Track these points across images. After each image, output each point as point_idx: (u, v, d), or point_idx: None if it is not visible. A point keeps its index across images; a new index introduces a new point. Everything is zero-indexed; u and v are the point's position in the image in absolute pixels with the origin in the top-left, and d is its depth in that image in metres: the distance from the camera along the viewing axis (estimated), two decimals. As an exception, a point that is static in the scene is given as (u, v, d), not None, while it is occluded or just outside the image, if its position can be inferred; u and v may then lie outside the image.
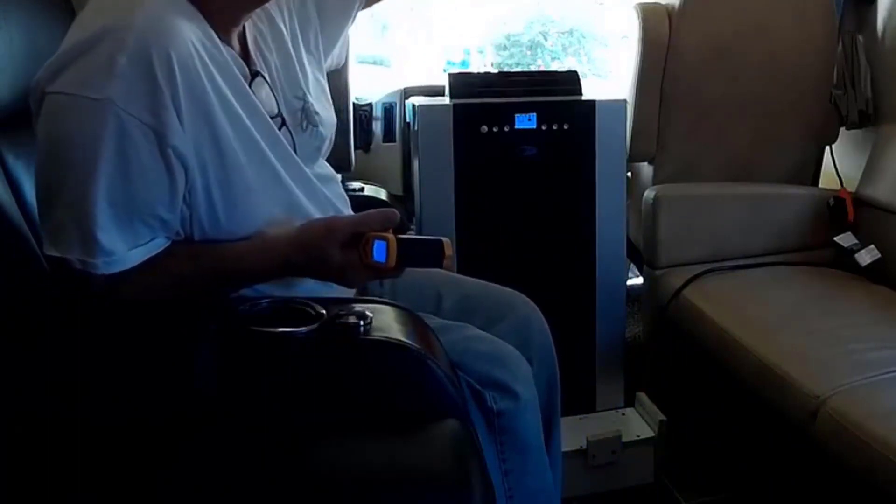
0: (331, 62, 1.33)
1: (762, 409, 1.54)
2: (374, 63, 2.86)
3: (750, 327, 1.65)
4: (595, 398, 1.96)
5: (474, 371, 1.17)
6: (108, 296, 0.97)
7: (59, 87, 0.92)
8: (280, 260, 1.03)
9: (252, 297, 1.03)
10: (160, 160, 0.94)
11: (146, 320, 0.98)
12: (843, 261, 1.98)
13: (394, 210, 1.05)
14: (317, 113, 1.18)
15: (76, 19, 0.98)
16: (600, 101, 1.87)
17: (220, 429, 0.94)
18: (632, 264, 2.47)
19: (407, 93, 2.17)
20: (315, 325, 0.97)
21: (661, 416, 1.82)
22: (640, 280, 2.34)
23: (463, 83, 1.87)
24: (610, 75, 2.97)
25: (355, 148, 2.01)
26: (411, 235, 1.07)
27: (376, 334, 0.97)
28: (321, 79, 1.24)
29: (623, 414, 1.91)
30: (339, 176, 1.30)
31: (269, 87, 1.12)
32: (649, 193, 2.01)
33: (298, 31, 1.21)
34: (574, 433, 1.75)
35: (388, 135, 2.21)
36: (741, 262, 1.99)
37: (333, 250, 1.01)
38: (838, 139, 2.16)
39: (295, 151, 1.11)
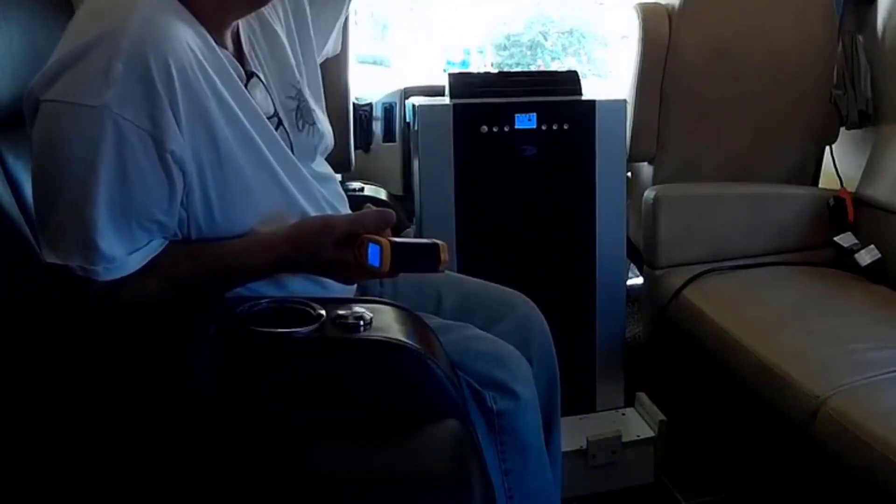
0: (326, 52, 1.33)
1: (762, 409, 1.54)
2: (374, 63, 2.86)
3: (750, 327, 1.65)
4: (595, 398, 1.96)
5: (474, 371, 1.17)
6: (109, 298, 0.98)
7: (55, 96, 0.91)
8: (275, 256, 1.03)
9: (252, 297, 1.03)
10: (158, 165, 0.94)
11: (146, 320, 0.98)
12: (843, 261, 1.98)
13: (390, 210, 1.05)
14: (313, 110, 1.18)
15: (69, 25, 0.98)
16: (600, 101, 1.87)
17: (220, 429, 0.94)
18: (632, 264, 2.47)
19: (407, 93, 2.17)
20: (315, 325, 0.97)
21: (661, 416, 1.82)
22: (640, 280, 2.34)
23: (463, 83, 1.87)
24: (610, 75, 2.97)
25: (355, 148, 2.01)
26: (407, 239, 1.06)
27: (376, 334, 0.97)
28: (317, 76, 1.23)
29: (623, 414, 1.91)
30: (338, 176, 1.30)
31: (265, 87, 1.12)
32: (649, 193, 2.01)
33: (294, 28, 1.20)
34: (574, 433, 1.75)
35: (388, 135, 2.21)
36: (741, 262, 1.99)
37: (328, 247, 1.01)
38: (838, 139, 2.16)
39: (292, 151, 1.11)
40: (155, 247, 0.99)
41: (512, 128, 1.83)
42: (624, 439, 1.79)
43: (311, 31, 1.23)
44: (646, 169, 2.20)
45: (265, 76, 1.13)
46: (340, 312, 0.98)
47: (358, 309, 1.00)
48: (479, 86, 1.87)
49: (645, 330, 2.19)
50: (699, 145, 2.14)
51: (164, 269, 1.00)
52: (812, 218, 2.07)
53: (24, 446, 0.97)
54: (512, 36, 2.98)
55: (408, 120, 1.95)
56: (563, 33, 3.07)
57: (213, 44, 1.02)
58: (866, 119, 2.06)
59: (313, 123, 1.17)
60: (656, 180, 2.14)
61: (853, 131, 2.12)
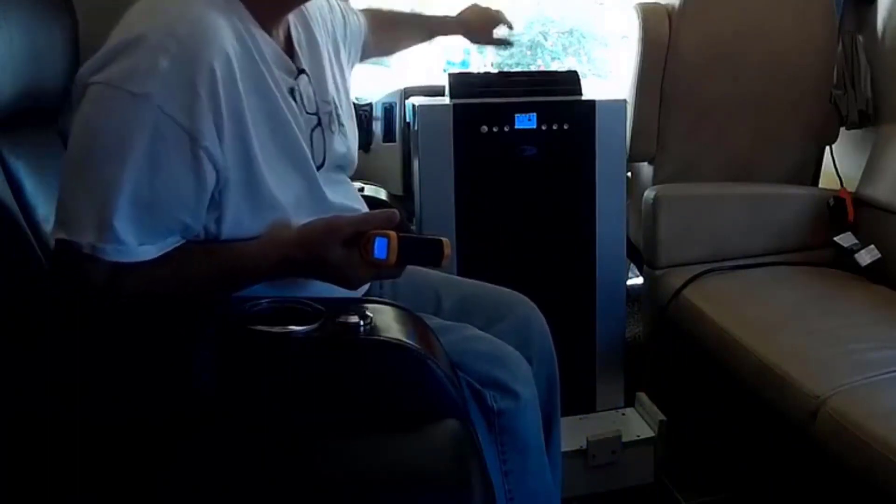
0: None
1: (762, 409, 1.54)
2: (374, 63, 2.86)
3: (750, 327, 1.65)
4: (595, 398, 1.96)
5: (474, 371, 1.17)
6: (110, 286, 0.97)
7: (103, 79, 0.93)
8: (280, 257, 1.03)
9: (252, 296, 1.03)
10: (190, 162, 0.95)
11: (145, 320, 0.98)
12: (843, 261, 1.98)
13: (395, 210, 1.05)
14: (342, 124, 1.21)
15: (124, 16, 1.00)
16: (600, 101, 1.87)
17: (219, 429, 0.94)
18: (632, 264, 2.47)
19: (407, 93, 2.16)
20: (315, 325, 0.97)
21: (661, 416, 1.82)
22: (640, 280, 2.34)
23: (463, 83, 1.87)
24: (610, 75, 2.97)
25: (355, 148, 2.01)
26: (412, 234, 1.07)
27: (376, 334, 0.97)
28: (349, 101, 1.28)
29: (623, 414, 1.91)
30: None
31: (311, 84, 1.15)
32: (649, 193, 2.01)
33: (341, 46, 1.28)
34: (574, 433, 1.75)
35: (388, 135, 2.21)
36: (741, 262, 1.99)
37: (335, 247, 1.01)
38: (838, 139, 2.16)
39: (326, 151, 1.15)
40: (170, 244, 1.00)
41: (512, 128, 1.83)
42: (624, 439, 1.78)
43: (345, 62, 1.30)
44: (646, 169, 2.20)
45: (310, 77, 1.16)
46: (340, 312, 0.98)
47: (358, 309, 1.00)
48: (479, 86, 1.87)
49: (645, 330, 2.19)
50: (699, 145, 2.14)
51: (176, 261, 1.00)
52: (812, 218, 2.07)
53: (24, 446, 0.97)
54: (512, 36, 2.98)
55: (408, 120, 1.95)
56: (563, 33, 3.07)
57: (267, 38, 1.05)
58: (866, 119, 2.06)
59: (345, 135, 1.21)
60: (656, 180, 2.13)
61: (853, 131, 2.12)
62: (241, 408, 0.95)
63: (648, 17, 2.06)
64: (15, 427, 0.98)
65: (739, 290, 1.86)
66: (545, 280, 1.81)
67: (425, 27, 1.71)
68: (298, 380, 0.97)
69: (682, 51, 2.06)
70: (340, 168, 1.23)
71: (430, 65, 2.83)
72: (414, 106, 1.85)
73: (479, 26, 1.73)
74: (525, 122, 1.83)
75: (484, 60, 2.93)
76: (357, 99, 2.13)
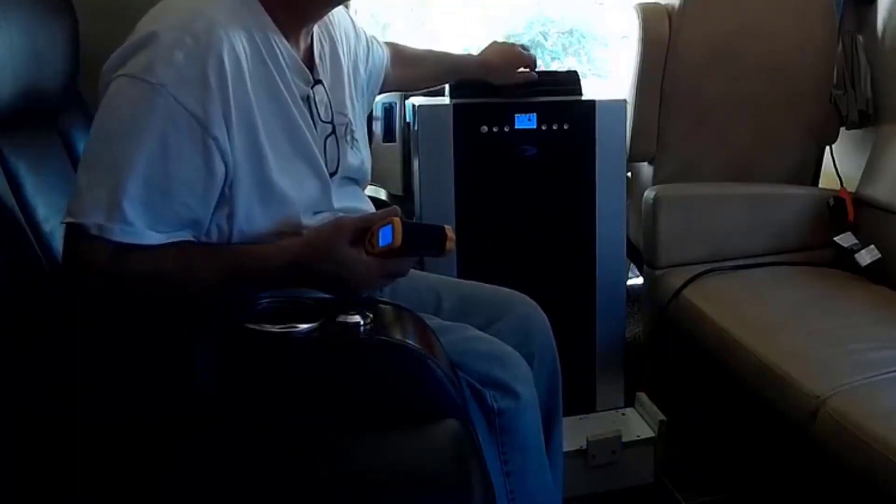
0: None
1: (762, 409, 1.54)
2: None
3: (750, 327, 1.65)
4: (595, 398, 1.96)
5: (474, 371, 1.17)
6: (114, 270, 0.97)
7: (125, 71, 0.99)
8: (289, 260, 1.03)
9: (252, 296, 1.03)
10: (200, 150, 0.99)
11: (146, 320, 0.98)
12: (843, 261, 1.98)
13: (396, 207, 1.06)
14: (356, 140, 1.24)
15: (147, 14, 1.04)
16: (600, 101, 1.87)
17: (220, 429, 0.94)
18: (632, 264, 2.46)
19: (407, 93, 2.17)
20: (315, 325, 0.97)
21: (661, 416, 1.82)
22: (640, 280, 2.34)
23: (463, 83, 1.87)
24: (610, 75, 2.97)
25: (355, 148, 2.01)
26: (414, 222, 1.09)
27: (376, 334, 0.97)
28: (363, 123, 1.32)
29: (623, 414, 1.91)
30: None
31: (327, 96, 1.18)
32: (649, 193, 2.01)
33: (361, 71, 1.33)
34: (574, 433, 1.74)
35: (388, 135, 2.21)
36: (741, 262, 1.98)
37: (342, 246, 1.02)
38: (838, 139, 2.16)
39: (339, 159, 1.18)
40: (178, 236, 1.01)
41: (512, 128, 1.82)
42: (624, 439, 1.78)
43: (365, 87, 1.35)
44: (646, 169, 2.20)
45: (328, 88, 1.19)
46: (341, 312, 0.98)
47: (358, 309, 1.00)
48: (478, 86, 1.87)
49: (645, 330, 2.19)
50: (699, 145, 2.14)
51: (183, 258, 1.01)
52: (812, 218, 2.07)
53: (24, 446, 0.97)
54: (512, 36, 2.97)
55: (408, 120, 1.95)
56: (563, 33, 3.07)
57: (286, 45, 1.09)
58: (866, 119, 2.06)
59: (358, 147, 1.24)
60: (656, 180, 2.13)
61: (853, 131, 2.12)
62: (242, 407, 0.95)
63: (648, 17, 2.06)
64: (15, 427, 0.98)
65: (739, 290, 1.86)
66: (545, 280, 1.81)
67: (447, 67, 1.73)
68: (299, 379, 0.97)
69: (682, 51, 2.06)
70: (354, 181, 1.25)
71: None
72: (414, 106, 1.85)
73: (502, 67, 1.76)
74: (525, 122, 1.83)
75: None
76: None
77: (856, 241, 1.98)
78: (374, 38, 1.46)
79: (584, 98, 1.88)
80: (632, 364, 2.03)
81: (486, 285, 1.43)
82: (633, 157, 2.13)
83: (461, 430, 0.98)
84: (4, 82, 1.15)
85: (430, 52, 1.71)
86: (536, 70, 1.82)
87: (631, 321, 2.33)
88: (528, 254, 1.87)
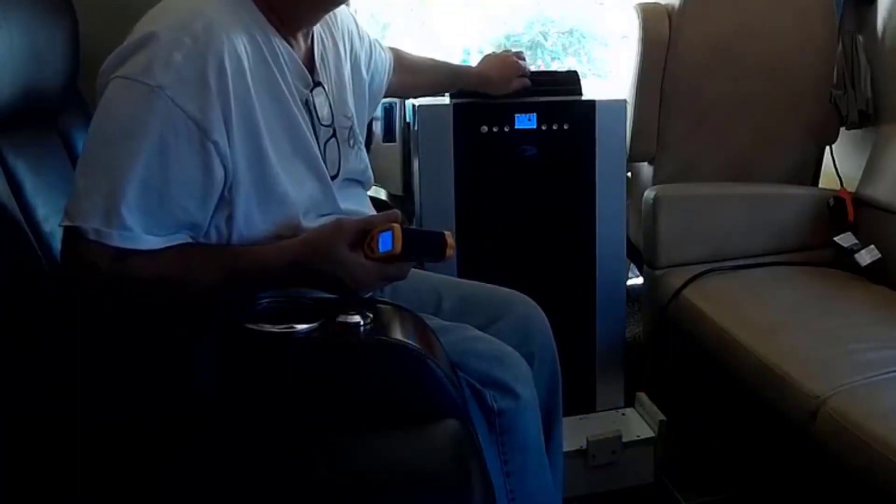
0: None
1: (762, 409, 1.54)
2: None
3: (750, 327, 1.65)
4: (595, 398, 1.96)
5: (474, 371, 1.17)
6: (113, 275, 0.97)
7: (123, 72, 0.97)
8: (289, 261, 1.03)
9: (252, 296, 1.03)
10: (199, 153, 0.98)
11: (146, 320, 0.98)
12: (843, 261, 1.98)
13: (396, 211, 1.06)
14: (358, 142, 1.24)
15: (145, 16, 1.03)
16: (600, 101, 1.87)
17: (220, 429, 0.94)
18: (632, 264, 2.46)
19: (405, 95, 2.17)
20: (315, 325, 0.97)
21: (661, 416, 1.82)
22: (640, 280, 2.34)
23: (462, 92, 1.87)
24: (610, 75, 2.97)
25: (355, 148, 2.01)
26: (415, 227, 1.09)
27: (377, 334, 0.97)
28: (364, 123, 1.33)
29: (623, 414, 1.91)
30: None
31: (328, 98, 1.17)
32: (649, 193, 2.01)
33: (363, 74, 1.32)
34: (574, 433, 1.74)
35: (388, 135, 2.20)
36: (741, 262, 1.98)
37: (342, 247, 1.02)
38: (838, 139, 2.16)
39: (340, 162, 1.17)
40: (177, 239, 1.01)
41: (512, 128, 1.82)
42: (624, 439, 1.78)
43: (366, 90, 1.34)
44: (646, 169, 2.20)
45: (329, 90, 1.18)
46: (341, 312, 0.98)
47: (358, 309, 1.00)
48: (478, 87, 1.87)
49: (645, 330, 2.19)
50: (699, 145, 2.14)
51: (183, 260, 1.01)
52: (812, 218, 2.07)
53: (24, 446, 0.97)
54: (512, 36, 2.98)
55: (408, 120, 1.95)
56: (563, 33, 3.06)
57: (285, 46, 1.08)
58: (866, 119, 2.06)
59: (361, 149, 1.24)
60: (656, 180, 2.13)
61: (853, 131, 2.12)
62: (242, 407, 0.95)
63: (648, 17, 2.06)
64: (15, 427, 0.98)
65: (739, 290, 1.85)
66: (545, 280, 1.81)
67: (446, 76, 1.74)
68: (299, 379, 0.97)
69: (682, 51, 2.06)
70: (357, 182, 1.25)
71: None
72: (414, 106, 1.85)
73: (499, 81, 1.77)
74: (525, 122, 1.83)
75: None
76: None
77: (856, 241, 1.98)
78: (377, 41, 1.46)
79: (584, 98, 1.89)
80: (632, 364, 2.03)
81: (486, 285, 1.43)
82: (633, 157, 2.13)
83: (461, 430, 0.98)
84: (4, 82, 1.15)
85: (430, 59, 1.71)
86: (536, 70, 1.82)
87: (631, 321, 2.33)
88: (528, 254, 1.87)
